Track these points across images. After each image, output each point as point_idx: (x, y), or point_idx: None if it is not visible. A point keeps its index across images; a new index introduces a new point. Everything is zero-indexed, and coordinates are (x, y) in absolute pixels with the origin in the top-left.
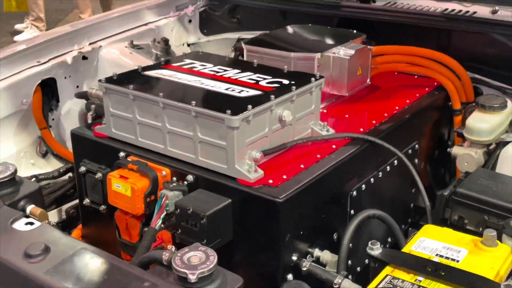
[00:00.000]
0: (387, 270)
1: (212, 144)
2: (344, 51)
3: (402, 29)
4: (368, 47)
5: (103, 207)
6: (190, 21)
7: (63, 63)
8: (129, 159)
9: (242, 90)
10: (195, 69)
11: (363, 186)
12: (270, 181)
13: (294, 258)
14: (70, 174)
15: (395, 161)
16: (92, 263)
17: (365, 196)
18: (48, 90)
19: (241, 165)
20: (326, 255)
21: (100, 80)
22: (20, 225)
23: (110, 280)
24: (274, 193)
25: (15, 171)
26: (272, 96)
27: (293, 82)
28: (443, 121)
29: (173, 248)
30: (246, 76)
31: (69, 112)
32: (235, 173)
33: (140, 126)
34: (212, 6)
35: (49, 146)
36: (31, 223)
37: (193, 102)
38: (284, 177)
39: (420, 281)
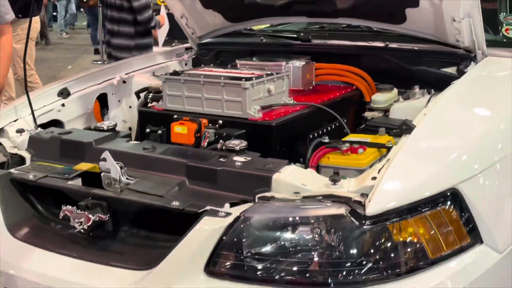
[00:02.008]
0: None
1: (232, 101)
2: (299, 62)
3: (330, 55)
4: (312, 62)
5: None
6: (186, 64)
7: (111, 84)
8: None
9: (247, 75)
10: (214, 69)
11: (315, 133)
12: (267, 118)
13: None
14: None
15: (333, 125)
16: None
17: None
18: (103, 101)
19: (250, 111)
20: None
21: (161, 74)
22: None
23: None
24: (269, 122)
25: None
26: (264, 77)
27: (273, 73)
28: (359, 108)
29: None
30: (245, 72)
31: (115, 116)
32: (247, 115)
33: (187, 99)
34: (201, 54)
35: None
36: None
37: (222, 78)
38: (274, 118)
39: None
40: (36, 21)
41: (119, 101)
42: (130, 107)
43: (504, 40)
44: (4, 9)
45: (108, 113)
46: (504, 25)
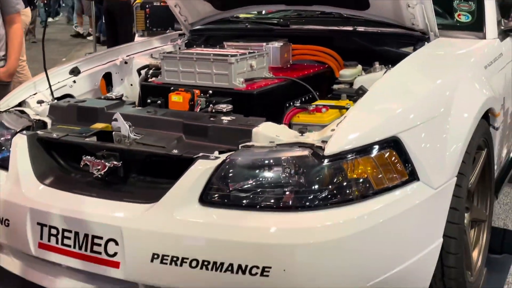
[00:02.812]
0: None
1: (220, 74)
2: (277, 43)
3: (306, 38)
4: (289, 43)
5: None
6: (179, 48)
7: (115, 64)
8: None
9: (232, 53)
10: (204, 49)
11: (291, 103)
12: (249, 88)
13: None
14: None
15: (307, 97)
16: None
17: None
18: (108, 79)
19: (235, 82)
20: None
21: (160, 53)
22: None
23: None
24: (251, 91)
25: None
26: (247, 54)
27: (255, 51)
28: (330, 83)
29: None
30: (231, 50)
31: (118, 92)
32: (233, 86)
33: (182, 73)
34: (193, 39)
35: None
36: None
37: (212, 55)
38: (255, 88)
39: None
40: (26, 14)
41: (121, 79)
42: (131, 84)
43: (458, 24)
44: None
45: (112, 89)
46: (458, 11)
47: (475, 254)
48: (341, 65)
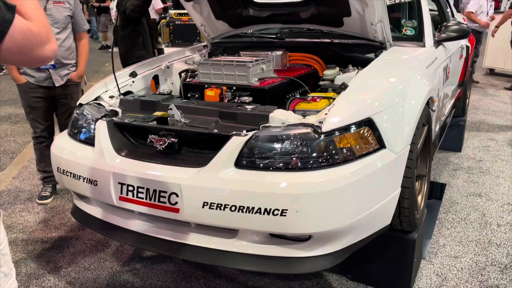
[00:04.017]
0: None
1: (241, 75)
2: (278, 52)
3: (297, 48)
4: (286, 52)
5: None
6: (204, 56)
7: (160, 69)
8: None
9: (249, 60)
10: (227, 57)
11: (290, 95)
12: (262, 85)
13: None
14: None
15: (300, 90)
16: None
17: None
18: (155, 80)
19: (252, 81)
20: None
21: (194, 62)
22: None
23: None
24: (264, 87)
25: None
26: (260, 60)
27: (264, 58)
28: (315, 80)
29: None
30: (246, 58)
31: (164, 89)
32: (250, 83)
33: (213, 75)
34: (214, 49)
35: None
36: None
37: (234, 61)
38: (266, 84)
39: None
40: None
41: (165, 80)
42: (172, 83)
43: (404, 36)
44: (83, 21)
45: (159, 87)
46: (404, 27)
47: (419, 199)
48: (323, 67)
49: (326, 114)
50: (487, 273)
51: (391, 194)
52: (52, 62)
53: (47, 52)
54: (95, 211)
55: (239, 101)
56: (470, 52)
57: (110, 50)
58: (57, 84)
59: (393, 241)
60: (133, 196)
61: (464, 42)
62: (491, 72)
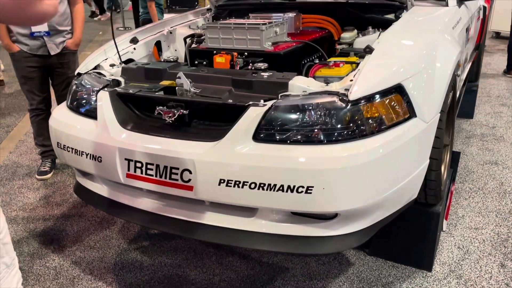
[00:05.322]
0: None
1: (253, 39)
2: (291, 14)
3: (311, 9)
4: (299, 13)
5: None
6: (208, 20)
7: (162, 34)
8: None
9: (261, 22)
10: (236, 19)
11: (306, 60)
12: (277, 50)
13: None
14: None
15: (316, 55)
16: None
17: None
18: (158, 46)
19: (265, 45)
20: None
21: (203, 24)
22: None
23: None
24: (279, 52)
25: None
26: (273, 22)
27: (278, 20)
28: (330, 44)
29: None
30: (258, 20)
31: (167, 56)
32: (264, 48)
33: (222, 39)
34: (218, 13)
35: None
36: None
37: (246, 24)
38: (281, 49)
39: None
40: None
41: (168, 46)
42: (176, 50)
43: None
44: None
45: (162, 54)
46: None
47: (442, 169)
48: (338, 30)
49: (351, 80)
50: (510, 244)
51: (420, 166)
52: (46, 29)
53: (46, 6)
54: (100, 188)
55: (253, 68)
56: (486, 14)
57: (100, 17)
58: (52, 53)
59: (416, 214)
60: (141, 173)
61: (481, 2)
62: (497, 35)
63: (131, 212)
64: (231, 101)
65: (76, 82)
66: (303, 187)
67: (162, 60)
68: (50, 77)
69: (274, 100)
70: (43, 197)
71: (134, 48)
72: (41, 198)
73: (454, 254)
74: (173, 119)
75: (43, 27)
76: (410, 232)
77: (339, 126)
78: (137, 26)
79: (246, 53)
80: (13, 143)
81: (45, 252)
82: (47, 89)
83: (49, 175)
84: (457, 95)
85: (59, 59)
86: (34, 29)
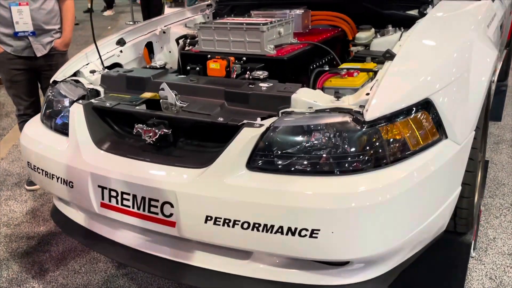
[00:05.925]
0: None
1: (253, 42)
2: (299, 10)
3: (321, 4)
4: (308, 10)
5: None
6: (208, 17)
7: (155, 34)
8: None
9: (262, 21)
10: (235, 18)
11: (314, 65)
12: (280, 54)
13: None
14: None
15: (326, 58)
16: None
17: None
18: (149, 48)
19: (266, 49)
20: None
21: (195, 24)
22: None
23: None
24: (282, 57)
25: None
26: (276, 22)
27: (282, 19)
28: (344, 45)
29: None
30: (259, 19)
31: (159, 59)
32: (265, 52)
33: (217, 42)
34: (219, 9)
35: None
36: None
37: (244, 24)
38: (285, 53)
39: None
40: None
41: (161, 47)
42: (170, 51)
43: None
44: None
45: (154, 57)
46: None
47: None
48: (353, 29)
49: (368, 94)
50: None
51: (452, 195)
52: (31, 29)
53: None
54: (76, 216)
55: (250, 77)
56: None
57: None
58: (38, 54)
59: (442, 244)
60: (117, 203)
61: None
62: None
63: (109, 246)
64: (221, 119)
65: (50, 91)
66: (307, 230)
67: (148, 66)
68: (38, 80)
69: (274, 119)
70: (30, 211)
71: (121, 51)
72: (27, 212)
73: (486, 286)
74: (154, 139)
75: (27, 27)
76: (436, 264)
77: (352, 152)
78: (145, 19)
79: (244, 58)
80: (6, 148)
81: (25, 278)
82: (35, 93)
83: (38, 186)
84: (490, 103)
85: (46, 61)
86: (18, 28)
